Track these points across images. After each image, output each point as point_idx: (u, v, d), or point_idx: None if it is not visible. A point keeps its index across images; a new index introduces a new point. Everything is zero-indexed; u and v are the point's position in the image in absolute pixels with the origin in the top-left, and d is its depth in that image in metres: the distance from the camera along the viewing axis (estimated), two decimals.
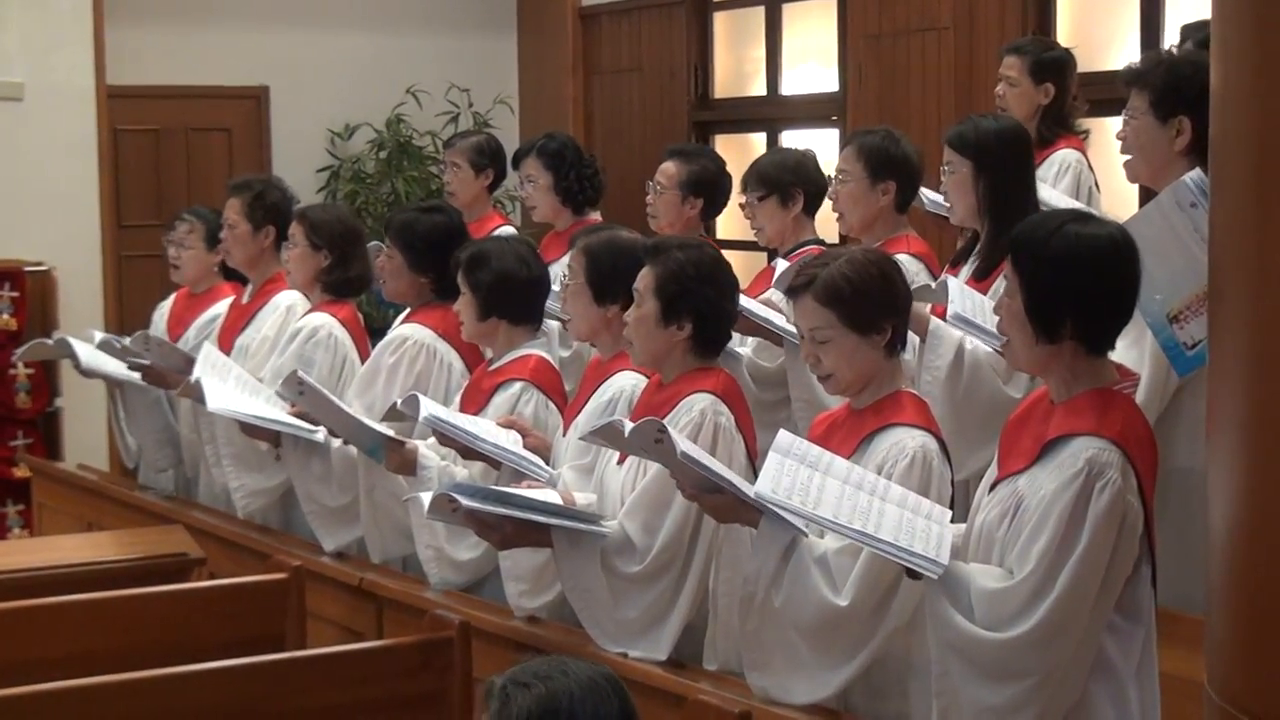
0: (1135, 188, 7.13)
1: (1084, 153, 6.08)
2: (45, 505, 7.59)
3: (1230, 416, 2.63)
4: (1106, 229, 3.63)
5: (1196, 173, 4.16)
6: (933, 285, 5.02)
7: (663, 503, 4.33)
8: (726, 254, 5.61)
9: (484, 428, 4.85)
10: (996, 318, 3.76)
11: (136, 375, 6.33)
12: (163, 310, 7.09)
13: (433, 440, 4.96)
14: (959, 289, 4.76)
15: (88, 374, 6.83)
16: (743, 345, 5.34)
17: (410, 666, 4.46)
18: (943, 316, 4.90)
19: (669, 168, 6.29)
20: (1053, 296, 3.50)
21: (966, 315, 4.60)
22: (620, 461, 4.51)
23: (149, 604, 5.00)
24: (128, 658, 4.46)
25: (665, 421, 4.12)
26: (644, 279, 4.46)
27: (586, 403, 4.86)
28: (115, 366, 6.48)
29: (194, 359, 5.94)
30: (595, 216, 6.70)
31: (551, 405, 5.13)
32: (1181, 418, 4.34)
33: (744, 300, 4.94)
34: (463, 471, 4.84)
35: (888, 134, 5.70)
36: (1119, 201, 6.63)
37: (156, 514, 6.36)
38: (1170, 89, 4.21)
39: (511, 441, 4.80)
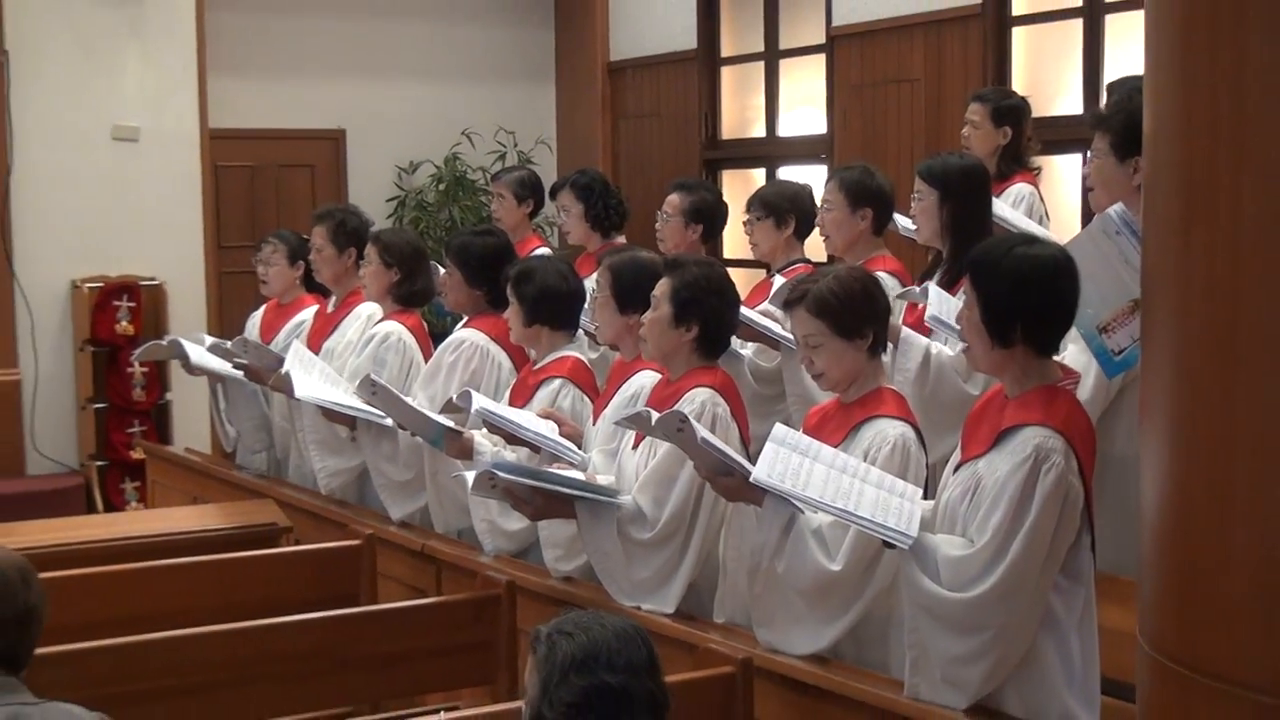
0: (1079, 216, 7.14)
1: (1036, 186, 6.07)
2: (157, 482, 7.59)
3: (1160, 412, 2.64)
4: (1050, 250, 3.66)
5: (1119, 206, 4.17)
6: (916, 290, 5.04)
7: (670, 480, 4.35)
8: (729, 270, 5.62)
9: (526, 418, 4.86)
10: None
11: (238, 373, 6.34)
12: (255, 318, 7.07)
13: (485, 430, 4.97)
14: (937, 295, 4.77)
15: (194, 372, 6.83)
16: (744, 348, 5.33)
17: (464, 619, 4.49)
18: (915, 324, 4.93)
19: (673, 199, 6.29)
20: (1005, 308, 3.52)
21: (942, 318, 4.62)
22: (635, 446, 4.53)
23: (244, 566, 5.03)
24: (226, 611, 4.49)
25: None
26: (661, 287, 4.48)
27: (613, 397, 4.86)
28: (219, 364, 6.48)
29: (284, 358, 5.94)
30: (621, 239, 6.68)
31: (586, 398, 5.11)
32: (1121, 413, 4.34)
33: (745, 311, 4.95)
34: (511, 456, 4.84)
35: (865, 169, 5.70)
36: (1065, 228, 6.62)
37: (251, 490, 6.36)
38: (1128, 132, 4.19)
39: (549, 430, 4.81)
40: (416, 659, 4.42)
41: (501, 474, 4.32)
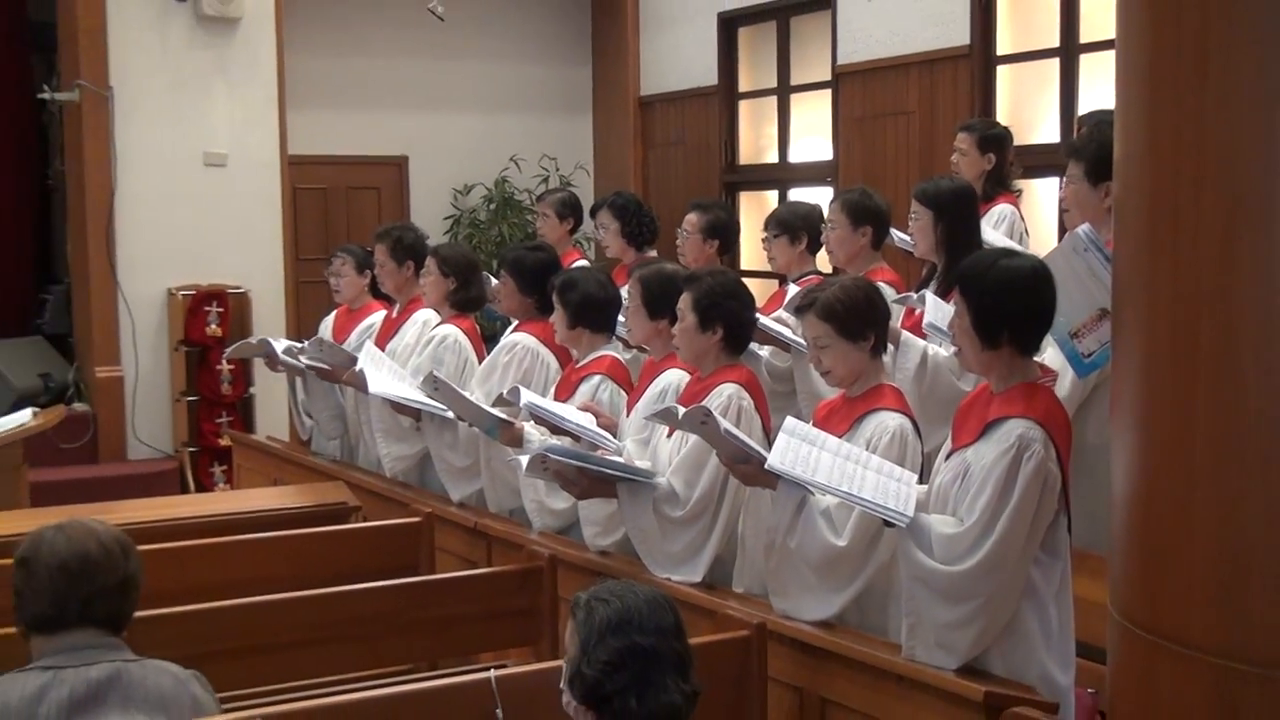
0: (1055, 234, 7.12)
1: (1018, 206, 6.05)
2: (242, 466, 7.62)
3: (1128, 406, 2.63)
4: (1030, 262, 3.67)
5: (1087, 226, 4.17)
6: (914, 296, 5.05)
7: (699, 465, 4.35)
8: (748, 280, 5.63)
9: (568, 411, 4.87)
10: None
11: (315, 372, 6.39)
12: (327, 322, 7.08)
13: (533, 422, 4.99)
14: (933, 302, 4.78)
15: (277, 368, 6.86)
16: (761, 350, 5.34)
17: (511, 587, 4.48)
18: (912, 328, 4.93)
19: (691, 217, 6.30)
20: (993, 314, 3.52)
21: (936, 323, 4.63)
22: (669, 435, 4.52)
23: (318, 541, 5.04)
24: (301, 580, 4.50)
25: (706, 405, 4.19)
26: (683, 301, 4.49)
27: (644, 392, 4.86)
28: (297, 360, 6.54)
29: (356, 357, 5.97)
30: (652, 254, 6.68)
31: (622, 392, 5.11)
32: (1094, 407, 4.33)
33: (761, 318, 4.95)
34: (555, 442, 4.86)
35: (864, 191, 5.70)
36: (1043, 245, 6.59)
37: (324, 473, 6.36)
38: (1100, 160, 4.18)
39: (588, 421, 4.83)
40: (469, 623, 4.42)
41: (553, 456, 4.35)
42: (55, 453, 8.60)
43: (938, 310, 4.69)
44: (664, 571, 4.37)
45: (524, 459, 4.50)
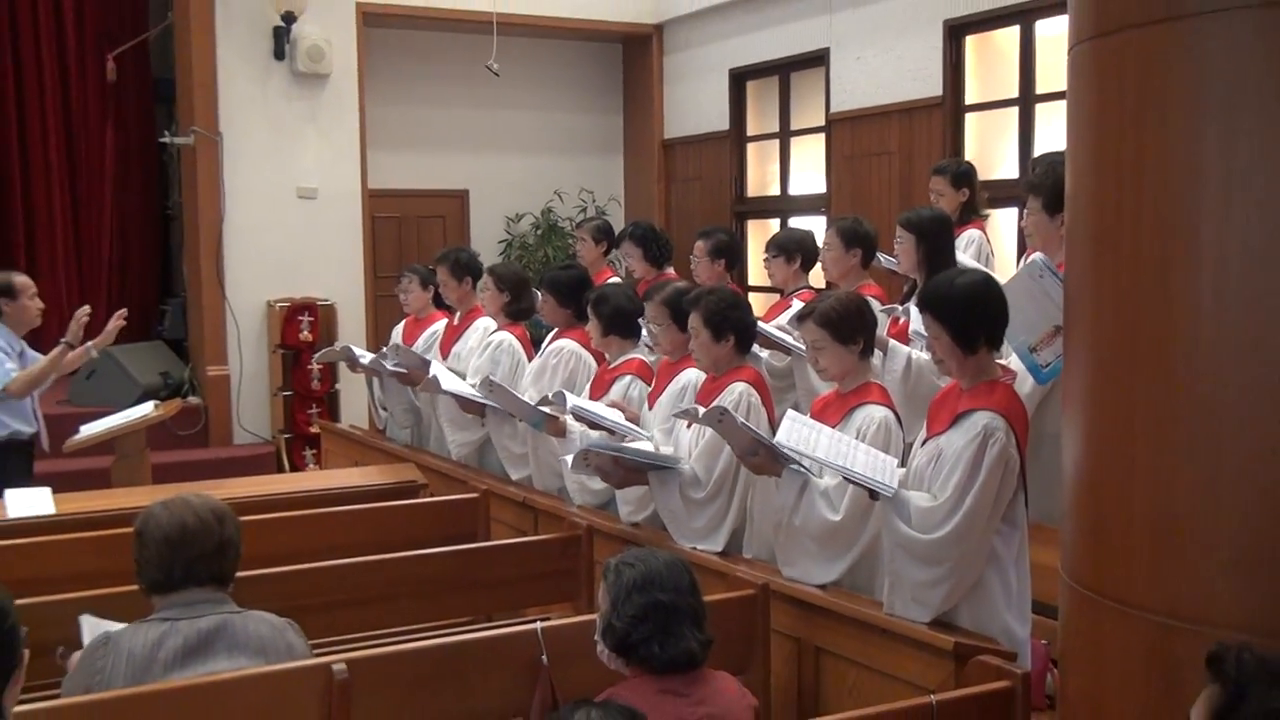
0: (1014, 253, 7.09)
1: (985, 232, 6.03)
2: (329, 450, 7.65)
3: (1079, 400, 2.62)
4: (980, 275, 3.70)
5: (1041, 255, 4.17)
6: (899, 309, 5.05)
7: (716, 453, 4.33)
8: (753, 294, 5.61)
9: (602, 408, 4.89)
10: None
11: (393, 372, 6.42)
12: (397, 329, 7.09)
13: (572, 417, 4.99)
14: (916, 313, 4.77)
15: (357, 370, 6.90)
16: (762, 352, 5.32)
17: (554, 553, 4.49)
18: (896, 336, 4.91)
19: (698, 244, 6.28)
20: (968, 325, 3.50)
21: (921, 330, 4.61)
22: (688, 426, 4.52)
23: (392, 513, 5.06)
24: (378, 545, 4.52)
25: (720, 402, 4.23)
26: (694, 320, 4.48)
27: (665, 388, 4.86)
28: (381, 366, 6.58)
29: (429, 361, 6.00)
30: (670, 270, 6.68)
31: (648, 389, 5.09)
32: (1050, 402, 4.31)
33: (762, 325, 4.97)
34: (593, 434, 4.85)
35: (855, 219, 5.70)
36: (1005, 264, 6.60)
37: (397, 456, 6.37)
38: (1056, 195, 4.17)
39: (618, 416, 4.84)
40: (519, 582, 4.43)
41: (595, 449, 4.38)
42: (173, 438, 8.67)
43: (919, 320, 4.69)
44: (690, 543, 4.36)
45: (569, 458, 4.53)
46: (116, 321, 6.33)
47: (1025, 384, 4.23)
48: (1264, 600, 2.26)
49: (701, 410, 4.01)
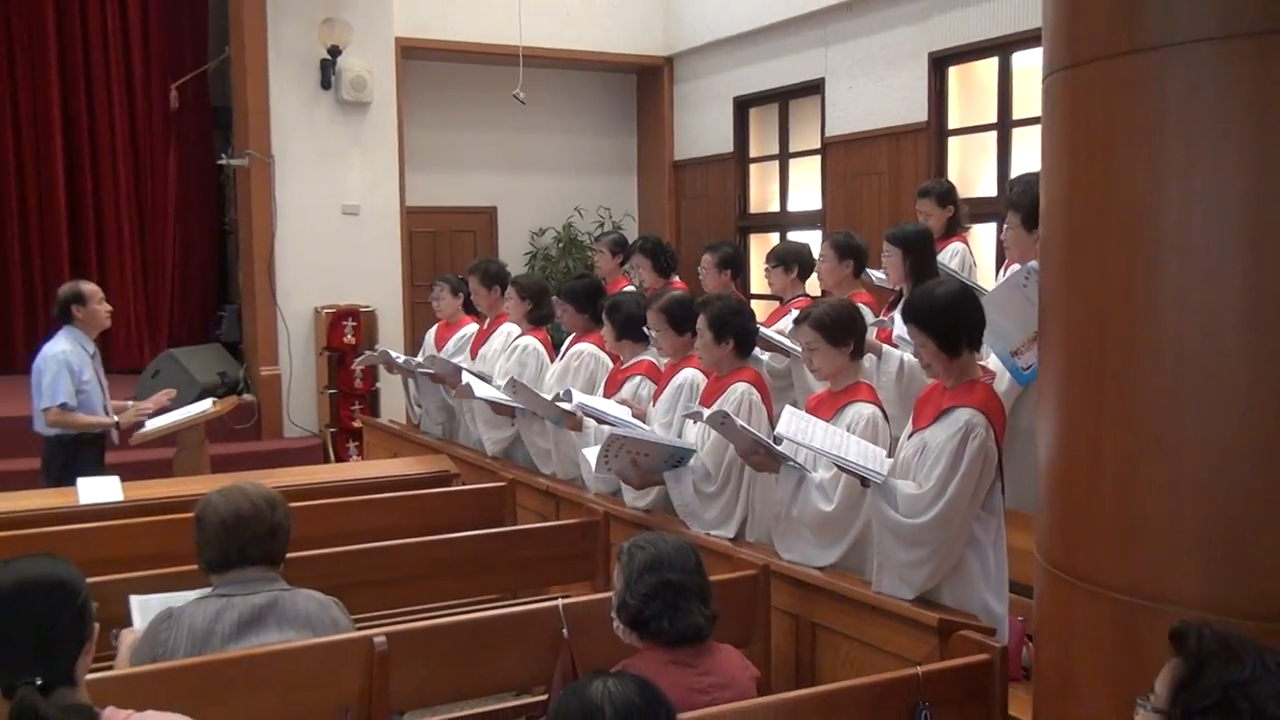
0: (993, 263, 7.08)
1: (967, 244, 6.01)
2: (370, 442, 7.66)
3: (1051, 398, 2.62)
4: (956, 284, 3.68)
5: (1033, 263, 4.12)
6: (886, 320, 5.04)
7: (724, 448, 4.32)
8: (755, 302, 5.60)
9: (610, 405, 4.89)
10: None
11: (427, 373, 6.43)
12: (430, 333, 7.11)
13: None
14: (901, 322, 4.76)
15: (394, 371, 6.92)
16: (762, 354, 5.31)
17: (574, 536, 4.50)
18: (885, 340, 4.91)
19: (706, 258, 6.24)
20: (951, 331, 3.49)
21: (906, 337, 4.60)
22: (694, 422, 4.52)
23: (428, 500, 5.07)
24: (415, 529, 4.55)
25: (721, 402, 4.25)
26: (700, 322, 4.49)
27: (666, 387, 4.86)
28: (413, 367, 6.59)
29: (462, 369, 6.01)
30: (676, 280, 6.67)
31: (655, 389, 5.11)
32: (1026, 399, 4.29)
33: (763, 330, 4.95)
34: (605, 429, 4.86)
35: (848, 233, 5.70)
36: (985, 273, 6.57)
37: (432, 448, 6.39)
38: (1033, 212, 4.15)
39: (626, 412, 4.84)
40: (542, 562, 4.43)
41: (621, 437, 4.35)
42: (229, 432, 8.69)
43: (903, 328, 4.68)
44: (705, 530, 4.35)
45: (591, 460, 4.51)
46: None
47: (1003, 383, 4.22)
48: (1220, 581, 2.26)
49: (706, 412, 4.01)
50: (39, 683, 1.96)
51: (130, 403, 6.25)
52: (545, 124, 11.18)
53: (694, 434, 4.50)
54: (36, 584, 2.03)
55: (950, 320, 3.48)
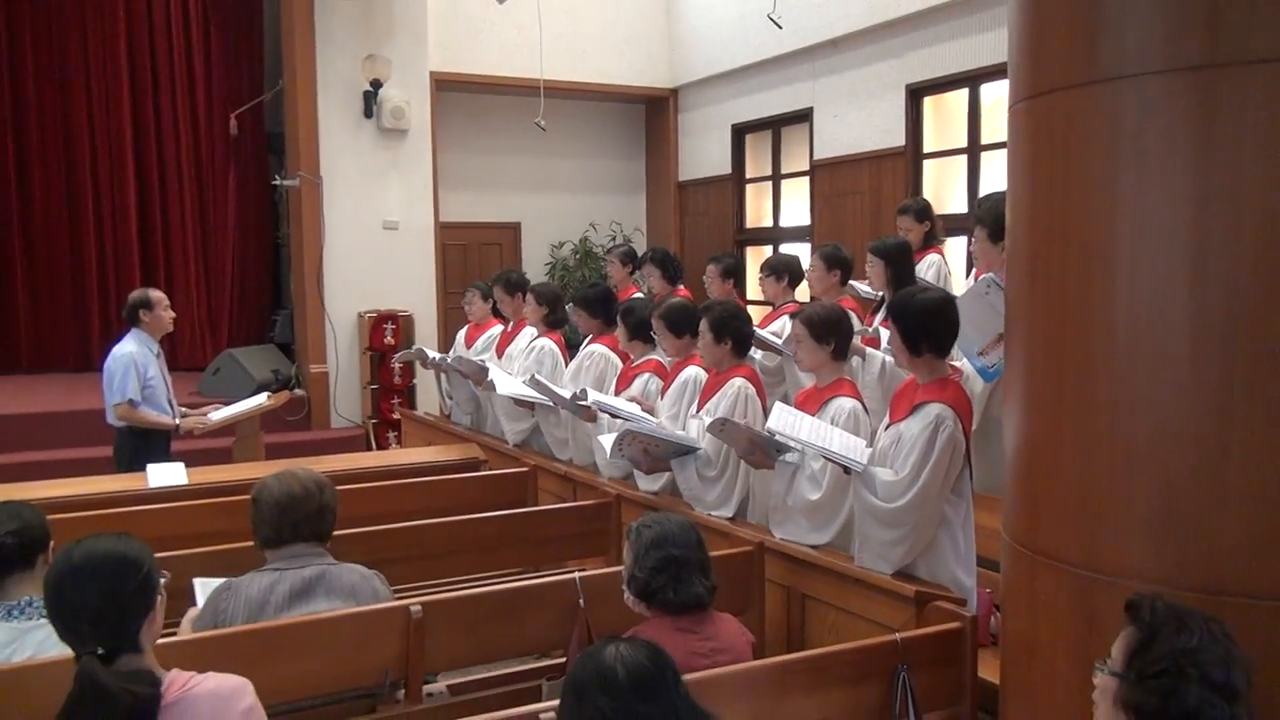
0: (963, 272, 7.03)
1: (943, 255, 5.98)
2: (408, 432, 7.64)
3: (1016, 391, 2.61)
4: (938, 294, 3.65)
5: (990, 274, 4.12)
6: (869, 329, 5.04)
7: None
8: (751, 307, 5.59)
9: (621, 402, 4.88)
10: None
11: (458, 370, 6.42)
12: (460, 334, 7.12)
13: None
14: (882, 329, 4.76)
15: (429, 367, 6.92)
16: (756, 354, 5.30)
17: (589, 516, 4.51)
18: (871, 344, 4.90)
19: (710, 268, 6.23)
20: (915, 333, 3.48)
21: (886, 343, 4.60)
22: (696, 414, 4.51)
23: (458, 483, 5.07)
24: (447, 510, 4.54)
25: (720, 395, 4.24)
26: (702, 324, 4.49)
27: (672, 383, 4.84)
28: (445, 364, 6.59)
29: (488, 367, 6.01)
30: (681, 288, 6.67)
31: (661, 385, 5.10)
32: (995, 393, 4.28)
33: (758, 331, 4.94)
34: (616, 420, 4.85)
35: (835, 246, 5.67)
36: (958, 282, 6.53)
37: (462, 437, 6.38)
38: (997, 225, 4.14)
39: (635, 408, 4.82)
40: (561, 540, 4.43)
41: (634, 431, 4.34)
42: (282, 423, 8.70)
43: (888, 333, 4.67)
44: (707, 511, 4.34)
45: (606, 447, 4.51)
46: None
47: (976, 384, 4.21)
48: (1171, 557, 2.25)
49: (708, 420, 4.02)
50: (100, 652, 1.96)
51: (192, 413, 6.19)
52: (564, 148, 11.19)
53: (695, 428, 4.49)
54: (104, 558, 2.04)
55: (918, 323, 3.47)
